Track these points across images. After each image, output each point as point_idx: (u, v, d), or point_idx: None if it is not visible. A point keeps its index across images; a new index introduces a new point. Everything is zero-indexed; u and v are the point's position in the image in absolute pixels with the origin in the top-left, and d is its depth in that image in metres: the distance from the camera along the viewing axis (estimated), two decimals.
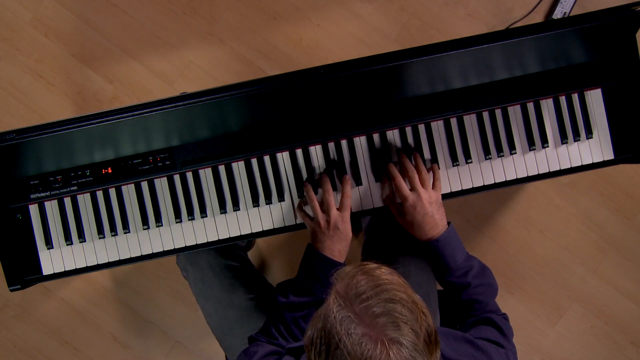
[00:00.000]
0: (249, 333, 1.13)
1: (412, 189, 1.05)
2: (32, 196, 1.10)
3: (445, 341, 0.88)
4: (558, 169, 1.14)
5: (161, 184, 1.11)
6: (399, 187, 1.06)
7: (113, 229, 1.11)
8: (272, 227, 1.12)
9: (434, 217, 1.04)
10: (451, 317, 1.31)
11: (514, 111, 1.13)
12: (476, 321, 1.01)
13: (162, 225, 1.11)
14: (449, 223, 1.07)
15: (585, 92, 1.13)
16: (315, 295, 1.02)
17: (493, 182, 1.13)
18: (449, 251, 1.04)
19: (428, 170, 1.09)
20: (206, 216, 1.11)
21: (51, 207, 1.11)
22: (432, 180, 1.08)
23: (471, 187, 1.13)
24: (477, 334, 0.97)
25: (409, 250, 1.16)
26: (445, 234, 1.04)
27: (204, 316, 1.19)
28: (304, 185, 1.09)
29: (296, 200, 1.12)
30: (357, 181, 1.12)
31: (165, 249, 1.12)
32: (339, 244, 1.03)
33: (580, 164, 1.14)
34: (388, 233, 1.20)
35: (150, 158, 1.10)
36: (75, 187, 1.10)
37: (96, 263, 1.12)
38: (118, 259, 1.12)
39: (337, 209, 1.05)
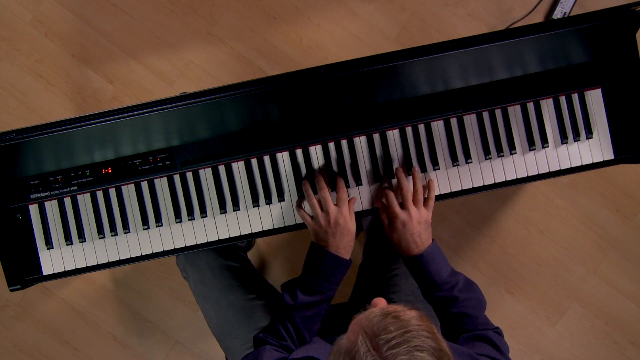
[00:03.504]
0: (249, 334, 1.13)
1: (404, 207, 1.06)
2: (32, 196, 1.10)
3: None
4: (558, 169, 1.14)
5: (161, 184, 1.11)
6: (390, 205, 1.06)
7: (113, 229, 1.11)
8: (272, 227, 1.12)
9: (420, 237, 1.04)
10: None
11: (514, 111, 1.13)
12: (471, 337, 1.00)
13: (162, 225, 1.11)
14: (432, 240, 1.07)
15: (585, 92, 1.13)
16: (324, 294, 1.02)
17: (493, 182, 1.13)
18: (433, 266, 1.04)
19: (424, 187, 1.09)
20: (206, 216, 1.11)
21: (51, 207, 1.11)
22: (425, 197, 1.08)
23: (471, 187, 1.13)
24: (474, 351, 0.95)
25: None
26: (429, 249, 1.04)
27: (204, 317, 1.19)
28: (302, 184, 1.09)
29: (297, 200, 1.12)
30: (357, 181, 1.12)
31: (165, 249, 1.12)
32: (342, 240, 1.03)
33: (580, 164, 1.14)
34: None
35: (150, 158, 1.10)
36: (75, 187, 1.10)
37: (96, 263, 1.12)
38: (118, 259, 1.12)
39: (335, 205, 1.05)
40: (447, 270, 1.05)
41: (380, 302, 0.79)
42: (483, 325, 1.03)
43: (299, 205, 1.10)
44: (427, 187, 1.09)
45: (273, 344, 0.99)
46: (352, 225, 1.05)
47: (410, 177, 1.10)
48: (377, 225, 1.24)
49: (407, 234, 1.04)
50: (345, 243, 1.04)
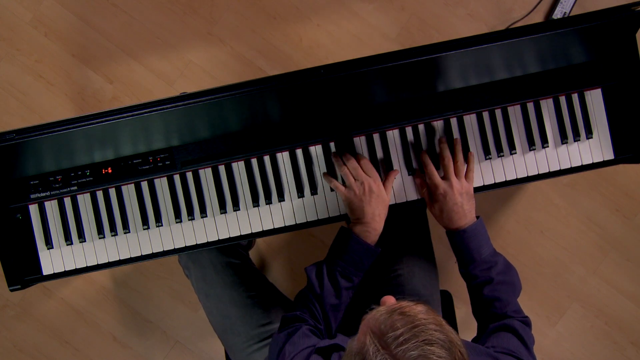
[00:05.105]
0: (251, 330, 1.13)
1: (445, 177, 1.06)
2: (32, 196, 1.10)
3: (469, 356, 0.88)
4: (558, 169, 1.14)
5: (161, 184, 1.11)
6: (430, 175, 1.07)
7: (113, 229, 1.11)
8: (272, 227, 1.12)
9: (463, 208, 1.04)
10: (453, 318, 1.31)
11: (514, 111, 1.13)
12: (498, 327, 1.00)
13: (162, 225, 1.11)
14: (477, 217, 1.07)
15: (585, 92, 1.13)
16: (352, 281, 1.02)
17: (493, 182, 1.13)
18: (474, 243, 1.04)
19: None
20: (206, 216, 1.11)
21: (51, 207, 1.11)
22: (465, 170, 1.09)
23: None
24: (498, 343, 0.96)
25: (414, 251, 1.16)
26: (473, 226, 1.04)
27: (206, 314, 1.19)
28: (332, 156, 1.10)
29: (296, 200, 1.12)
30: None
31: (165, 249, 1.12)
32: (377, 207, 1.03)
33: (580, 164, 1.14)
34: (393, 233, 1.19)
35: (150, 158, 1.10)
36: (75, 187, 1.10)
37: (96, 263, 1.12)
38: (118, 259, 1.12)
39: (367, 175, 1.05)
40: (489, 249, 1.05)
41: (389, 300, 0.79)
42: (513, 312, 1.03)
43: (329, 177, 1.09)
44: (467, 160, 1.10)
45: (310, 325, 0.98)
46: (386, 194, 1.05)
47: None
48: None
49: (449, 205, 1.04)
50: (380, 211, 1.04)
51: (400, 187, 1.12)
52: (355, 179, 1.05)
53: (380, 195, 1.04)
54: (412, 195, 1.12)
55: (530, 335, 1.01)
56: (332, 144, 1.12)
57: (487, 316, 1.05)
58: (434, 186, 1.06)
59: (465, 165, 1.09)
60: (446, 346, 0.67)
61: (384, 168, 1.12)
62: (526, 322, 1.03)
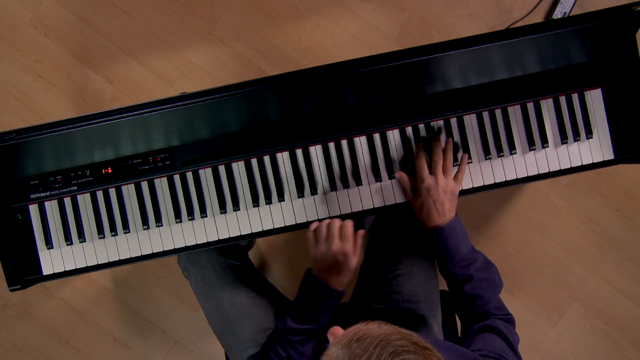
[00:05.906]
0: (250, 332, 1.13)
1: (433, 172, 1.06)
2: (32, 196, 1.10)
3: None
4: (558, 169, 1.14)
5: (161, 184, 1.11)
6: (419, 168, 1.07)
7: (113, 229, 1.11)
8: (272, 227, 1.12)
9: (443, 206, 1.05)
10: (453, 318, 1.31)
11: (514, 111, 1.13)
12: (481, 328, 1.00)
13: (162, 226, 1.11)
14: (455, 215, 1.08)
15: (585, 92, 1.13)
16: (315, 322, 1.03)
17: (493, 182, 1.13)
18: (452, 241, 1.04)
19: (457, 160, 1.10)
20: (206, 216, 1.11)
21: (51, 207, 1.11)
22: (455, 171, 1.09)
23: (471, 187, 1.13)
24: (484, 346, 0.96)
25: (413, 251, 1.16)
26: (451, 224, 1.05)
27: (205, 315, 1.19)
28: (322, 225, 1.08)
29: (296, 200, 1.12)
30: (357, 181, 1.12)
31: (165, 249, 1.12)
32: (338, 277, 1.03)
33: (580, 164, 1.14)
34: (392, 234, 1.19)
35: (150, 158, 1.10)
36: (75, 187, 1.10)
37: (96, 263, 1.12)
38: (118, 259, 1.12)
39: (340, 240, 1.04)
40: (467, 247, 1.05)
41: (337, 331, 0.77)
42: (495, 310, 1.03)
43: (313, 225, 1.09)
44: (460, 161, 1.10)
45: None
46: (351, 263, 1.04)
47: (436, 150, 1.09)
48: (379, 225, 1.24)
49: (430, 201, 1.05)
50: (340, 279, 1.04)
51: (401, 186, 1.12)
52: (325, 239, 1.04)
53: (345, 264, 1.03)
54: None
55: (514, 333, 1.01)
56: (331, 144, 1.12)
57: (469, 314, 1.06)
58: (420, 179, 1.06)
59: (457, 167, 1.10)
60: (411, 349, 0.66)
61: (384, 168, 1.12)
62: (509, 320, 1.03)
